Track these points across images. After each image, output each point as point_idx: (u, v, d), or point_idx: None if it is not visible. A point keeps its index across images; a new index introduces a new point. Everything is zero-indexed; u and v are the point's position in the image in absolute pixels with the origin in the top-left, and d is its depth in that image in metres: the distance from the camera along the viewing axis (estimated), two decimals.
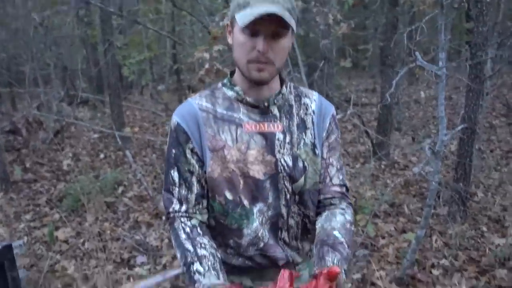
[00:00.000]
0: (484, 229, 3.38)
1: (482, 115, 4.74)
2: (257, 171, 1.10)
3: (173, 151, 1.14)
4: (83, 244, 3.55)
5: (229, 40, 1.13)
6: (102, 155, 5.72)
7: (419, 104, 8.50)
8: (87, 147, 6.09)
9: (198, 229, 1.13)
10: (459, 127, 2.89)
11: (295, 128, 1.14)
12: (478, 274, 2.82)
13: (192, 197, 1.14)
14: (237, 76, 1.15)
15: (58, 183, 4.88)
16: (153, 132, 6.89)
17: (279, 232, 1.15)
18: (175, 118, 1.13)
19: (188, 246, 1.08)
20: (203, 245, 1.09)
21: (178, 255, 1.10)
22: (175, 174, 1.13)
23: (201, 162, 1.13)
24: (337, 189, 1.20)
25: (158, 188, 4.49)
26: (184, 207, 1.14)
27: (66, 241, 3.63)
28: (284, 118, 1.14)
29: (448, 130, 3.11)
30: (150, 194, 4.31)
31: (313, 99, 1.20)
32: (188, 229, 1.12)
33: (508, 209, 3.59)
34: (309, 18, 5.41)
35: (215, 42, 3.05)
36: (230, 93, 1.14)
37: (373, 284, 2.79)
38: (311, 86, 4.59)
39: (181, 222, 1.13)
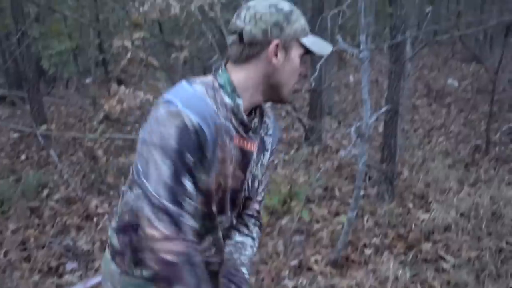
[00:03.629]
0: (410, 205, 3.56)
1: (406, 96, 4.98)
2: (229, 184, 1.09)
3: (188, 155, 0.94)
4: (4, 255, 3.28)
5: (275, 60, 1.03)
6: (23, 156, 5.31)
7: (348, 88, 8.77)
8: (6, 148, 5.63)
9: None
10: (383, 109, 3.00)
11: (262, 150, 1.16)
12: (406, 249, 2.97)
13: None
14: (249, 88, 1.05)
15: None
16: (80, 128, 6.51)
17: (226, 240, 1.21)
18: (194, 118, 0.94)
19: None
20: None
21: None
22: (189, 184, 0.96)
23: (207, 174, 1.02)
24: (257, 207, 1.26)
25: (88, 189, 4.25)
26: (196, 225, 1.02)
27: None
28: (256, 137, 1.12)
29: (374, 112, 3.23)
30: (79, 195, 4.08)
31: (271, 119, 1.19)
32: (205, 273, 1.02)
33: (430, 185, 3.81)
34: (236, 5, 5.33)
35: (137, 29, 2.90)
36: (227, 100, 1.02)
37: (309, 269, 2.84)
38: None
39: (199, 258, 0.99)
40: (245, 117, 1.04)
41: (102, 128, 4.74)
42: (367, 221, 3.34)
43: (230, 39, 1.04)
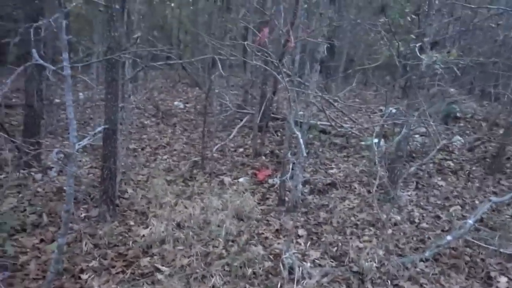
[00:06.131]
0: (132, 223, 3.61)
1: (132, 115, 5.08)
2: None
3: None
4: None
5: None
6: None
7: (78, 105, 8.32)
8: None
9: None
10: (98, 129, 2.95)
11: None
12: (125, 267, 2.97)
13: None
14: None
15: None
16: None
17: None
18: None
19: None
20: None
21: None
22: None
23: None
24: None
25: None
26: None
27: None
28: None
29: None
30: None
31: None
32: None
33: (152, 201, 3.97)
34: None
35: None
36: None
37: None
38: None
39: None
40: None
41: None
42: (86, 244, 3.18)
43: None
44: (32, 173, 4.40)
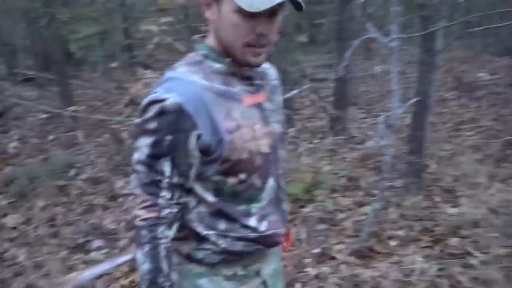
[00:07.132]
0: (438, 199, 3.49)
1: (435, 88, 4.85)
2: (265, 145, 1.07)
3: (168, 137, 0.95)
4: (34, 230, 3.37)
5: (209, 15, 1.02)
6: (51, 137, 5.42)
7: (375, 78, 8.60)
8: (35, 129, 5.75)
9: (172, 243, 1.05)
10: (412, 101, 2.93)
11: (270, 95, 1.16)
12: (432, 243, 2.92)
13: (183, 192, 1.03)
14: (223, 47, 1.04)
15: (5, 167, 4.59)
16: (106, 111, 6.60)
17: (281, 204, 1.18)
18: (175, 99, 0.94)
19: (164, 265, 1.00)
20: (174, 268, 1.04)
21: (146, 267, 0.98)
22: (166, 164, 0.97)
23: (207, 151, 1.00)
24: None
25: (113, 170, 4.31)
26: (174, 200, 1.01)
27: (15, 228, 3.43)
28: (263, 86, 1.14)
29: (403, 103, 3.16)
30: (105, 175, 4.16)
31: (267, 64, 1.21)
32: (168, 244, 1.01)
33: (459, 179, 3.72)
34: None
35: (164, 14, 2.90)
36: (217, 65, 1.04)
37: (332, 258, 2.82)
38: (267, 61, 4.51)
39: (164, 230, 1.00)
40: (242, 70, 1.06)
41: (128, 111, 4.79)
42: (392, 213, 3.29)
43: None
44: (342, 141, 4.84)
